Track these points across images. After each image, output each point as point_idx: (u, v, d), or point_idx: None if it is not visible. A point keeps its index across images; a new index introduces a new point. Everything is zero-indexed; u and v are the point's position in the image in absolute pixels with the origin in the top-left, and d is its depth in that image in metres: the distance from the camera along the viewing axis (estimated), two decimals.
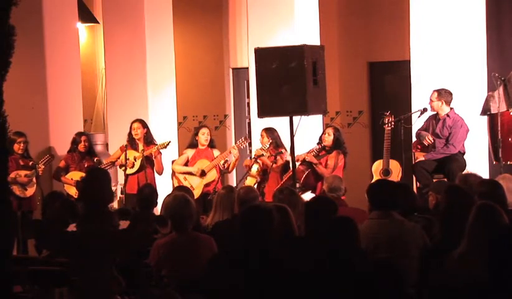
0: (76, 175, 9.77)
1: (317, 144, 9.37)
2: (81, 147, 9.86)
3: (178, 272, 5.77)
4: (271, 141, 9.48)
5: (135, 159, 9.70)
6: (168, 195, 6.78)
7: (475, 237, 4.65)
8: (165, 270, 5.83)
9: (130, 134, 9.87)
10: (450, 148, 8.96)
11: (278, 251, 4.72)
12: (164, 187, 9.82)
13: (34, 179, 9.49)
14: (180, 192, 6.60)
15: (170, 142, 9.83)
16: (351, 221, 4.78)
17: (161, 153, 9.81)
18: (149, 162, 9.77)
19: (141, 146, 9.83)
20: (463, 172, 8.24)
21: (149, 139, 9.89)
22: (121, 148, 9.84)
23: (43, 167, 9.55)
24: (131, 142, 9.82)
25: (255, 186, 9.44)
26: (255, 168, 9.50)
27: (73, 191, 9.71)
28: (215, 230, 6.52)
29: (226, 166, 9.74)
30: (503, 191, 6.03)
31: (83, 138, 9.90)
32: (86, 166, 9.83)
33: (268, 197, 8.78)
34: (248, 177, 9.57)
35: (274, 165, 9.40)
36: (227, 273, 4.64)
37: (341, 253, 4.59)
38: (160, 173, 9.91)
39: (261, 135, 9.65)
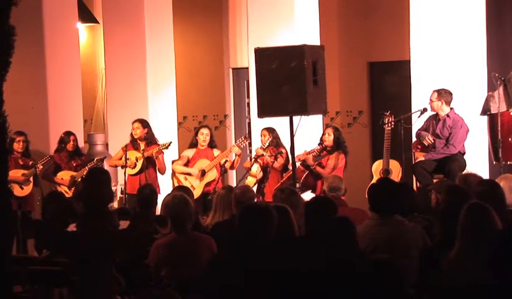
0: (66, 174, 9.78)
1: (319, 144, 9.38)
2: (70, 146, 9.86)
3: (178, 272, 5.77)
4: (271, 139, 9.49)
5: (137, 160, 9.69)
6: (167, 195, 6.78)
7: (466, 237, 4.66)
8: (165, 270, 5.83)
9: (132, 134, 9.87)
10: (450, 148, 8.95)
11: (277, 251, 4.71)
12: (164, 187, 9.83)
13: (31, 179, 9.50)
14: (179, 192, 6.60)
15: (171, 142, 9.82)
16: (349, 221, 4.78)
17: (162, 153, 9.80)
18: (151, 163, 9.77)
19: (142, 146, 9.83)
20: (463, 172, 8.23)
21: (150, 139, 9.88)
22: (123, 148, 9.85)
23: (42, 167, 9.56)
24: (133, 143, 9.82)
25: (256, 186, 9.47)
26: (255, 168, 9.50)
27: (64, 189, 9.73)
28: (214, 231, 6.51)
29: (229, 164, 9.74)
30: (502, 191, 6.02)
31: (72, 138, 9.89)
32: (74, 165, 9.85)
33: (269, 196, 8.78)
34: (249, 177, 9.57)
35: (276, 162, 9.40)
36: (226, 274, 4.63)
37: (341, 253, 4.59)
38: (162, 173, 9.91)
39: (263, 134, 9.64)
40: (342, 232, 4.70)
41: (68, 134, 9.94)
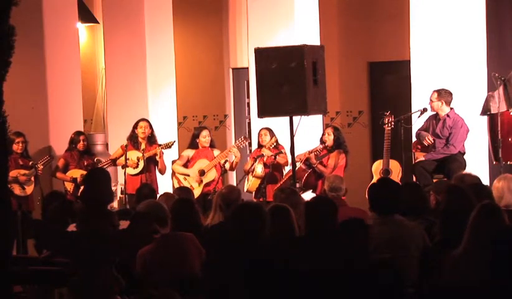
0: (76, 173, 9.81)
1: (320, 143, 9.39)
2: (80, 146, 9.90)
3: (170, 273, 5.74)
4: (276, 139, 9.50)
5: (138, 160, 9.70)
6: (142, 203, 6.72)
7: (476, 236, 4.65)
8: (156, 275, 5.80)
9: (133, 132, 9.85)
10: (450, 148, 8.96)
11: (271, 250, 4.70)
12: (164, 187, 9.82)
13: (32, 178, 9.53)
14: (152, 200, 6.64)
15: (174, 142, 9.86)
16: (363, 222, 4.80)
17: (163, 152, 9.82)
18: (152, 162, 9.78)
19: (143, 146, 9.83)
20: (458, 173, 8.21)
21: (152, 139, 9.91)
22: (122, 147, 9.85)
23: (42, 167, 9.59)
24: (133, 142, 9.82)
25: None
26: (259, 169, 9.46)
27: (69, 186, 9.75)
28: (211, 234, 6.47)
29: (229, 165, 9.74)
30: (491, 195, 6.07)
31: (81, 137, 9.95)
32: (85, 164, 9.88)
33: (270, 197, 8.77)
34: (252, 178, 9.52)
35: (280, 158, 9.40)
36: (222, 274, 4.62)
37: (349, 256, 4.60)
38: (163, 173, 9.93)
39: (264, 133, 9.61)
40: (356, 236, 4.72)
41: (78, 134, 10.01)
